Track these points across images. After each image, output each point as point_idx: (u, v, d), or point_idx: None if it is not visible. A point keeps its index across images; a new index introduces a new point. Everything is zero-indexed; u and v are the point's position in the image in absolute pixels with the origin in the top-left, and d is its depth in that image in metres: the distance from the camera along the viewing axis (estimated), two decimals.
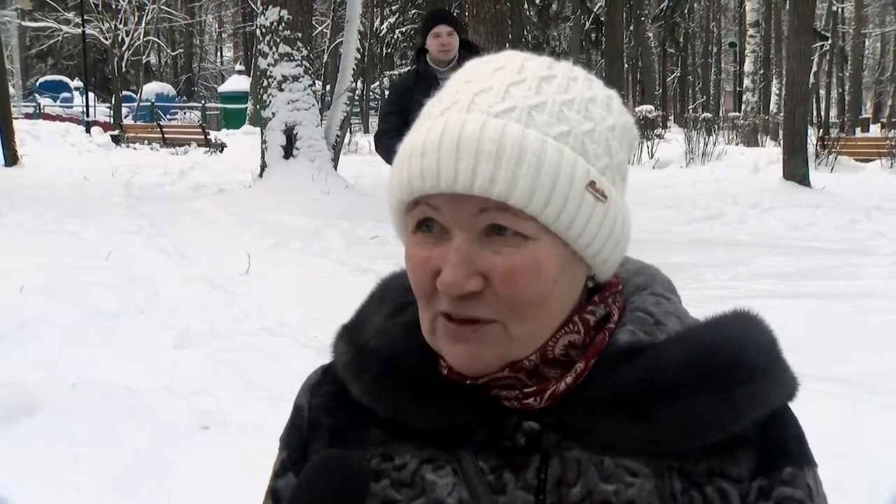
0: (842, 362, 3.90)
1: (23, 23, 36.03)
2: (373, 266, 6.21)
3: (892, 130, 17.65)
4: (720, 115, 30.95)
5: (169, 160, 18.00)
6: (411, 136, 0.72)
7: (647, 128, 19.00)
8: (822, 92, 38.39)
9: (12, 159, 14.22)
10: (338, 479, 0.66)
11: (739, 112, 30.37)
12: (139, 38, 31.18)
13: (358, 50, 11.82)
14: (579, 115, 0.70)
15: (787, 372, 0.74)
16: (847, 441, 2.74)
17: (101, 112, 32.09)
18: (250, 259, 6.27)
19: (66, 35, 34.82)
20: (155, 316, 4.64)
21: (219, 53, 58.97)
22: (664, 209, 9.95)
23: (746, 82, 29.87)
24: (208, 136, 22.46)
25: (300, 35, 10.84)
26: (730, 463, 0.72)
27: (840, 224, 8.84)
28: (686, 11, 35.33)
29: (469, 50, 4.71)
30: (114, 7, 30.58)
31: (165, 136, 23.42)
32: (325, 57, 29.98)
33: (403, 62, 31.43)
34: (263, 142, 10.72)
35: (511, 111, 0.68)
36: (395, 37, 30.32)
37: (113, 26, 29.70)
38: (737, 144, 21.65)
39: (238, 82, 34.97)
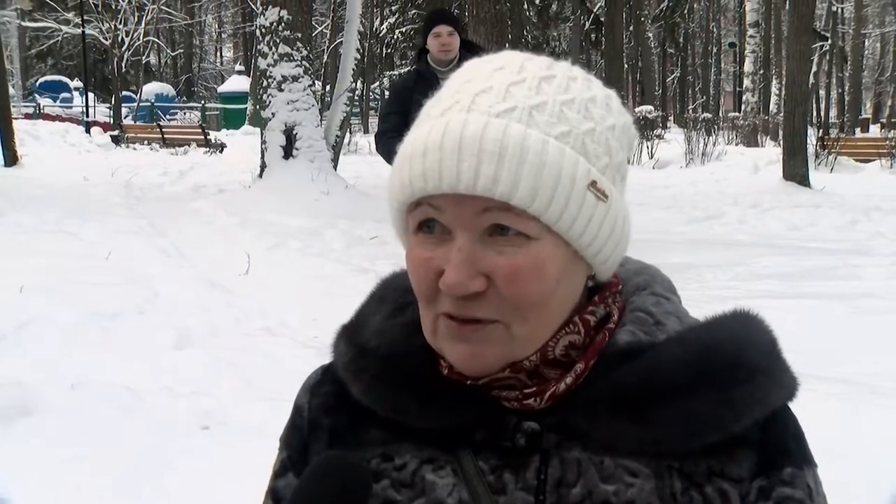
0: (842, 363, 3.90)
1: (23, 23, 36.04)
2: (372, 266, 6.21)
3: (892, 131, 17.64)
4: (720, 115, 30.94)
5: (169, 160, 18.00)
6: (412, 137, 0.72)
7: (647, 128, 18.99)
8: (822, 92, 38.40)
9: (12, 159, 14.23)
10: (338, 481, 0.65)
11: (739, 112, 30.38)
12: (139, 39, 31.19)
13: (358, 50, 11.82)
14: (579, 114, 0.70)
15: (787, 372, 0.74)
16: (847, 441, 2.74)
17: (101, 112, 32.11)
18: (250, 259, 6.27)
19: (65, 35, 34.83)
20: (155, 316, 4.64)
21: (218, 54, 58.99)
22: (664, 209, 9.95)
23: (746, 82, 29.87)
24: (208, 137, 22.47)
25: (300, 35, 10.85)
26: (730, 463, 0.72)
27: (840, 224, 8.84)
28: (686, 12, 35.31)
29: (470, 50, 4.71)
30: (114, 7, 30.58)
31: (165, 136, 23.43)
32: (325, 57, 29.97)
33: (403, 62, 31.45)
34: (263, 142, 10.72)
35: (512, 111, 0.68)
36: (395, 37, 30.34)
37: (113, 26, 29.70)
38: (736, 145, 21.66)
39: (238, 82, 34.98)
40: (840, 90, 43.25)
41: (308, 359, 3.58)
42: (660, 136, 19.80)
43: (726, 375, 0.71)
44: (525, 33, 22.22)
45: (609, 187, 0.71)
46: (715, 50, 51.07)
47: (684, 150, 17.96)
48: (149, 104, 32.63)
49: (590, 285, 0.76)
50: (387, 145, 4.72)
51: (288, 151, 10.41)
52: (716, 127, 19.49)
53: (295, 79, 10.58)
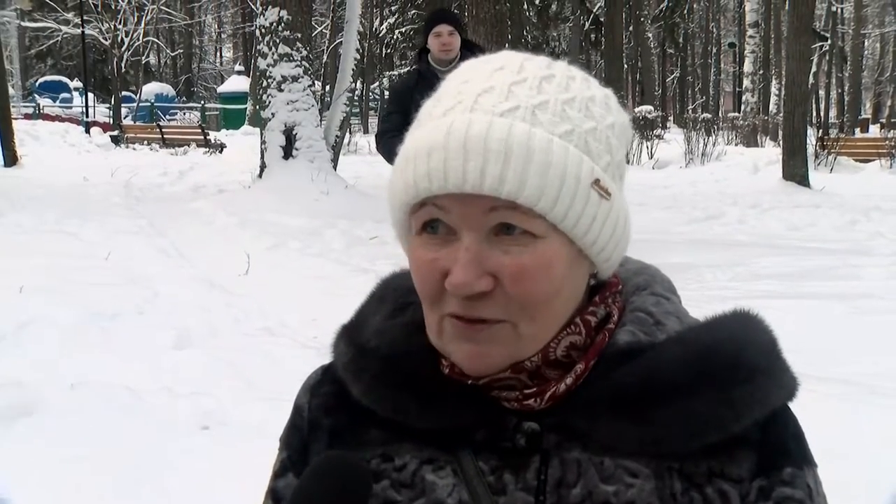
0: (842, 363, 3.90)
1: (22, 23, 36.06)
2: (372, 266, 6.21)
3: (892, 131, 17.64)
4: (720, 115, 30.96)
5: (168, 160, 18.00)
6: (413, 137, 0.72)
7: (647, 128, 18.99)
8: (822, 92, 38.39)
9: (12, 160, 14.24)
10: (338, 481, 0.65)
11: (739, 112, 30.39)
12: (139, 39, 31.18)
13: (357, 50, 11.82)
14: (580, 113, 0.71)
15: (787, 372, 0.74)
16: (847, 441, 2.74)
17: (101, 112, 32.11)
18: (250, 259, 6.27)
19: (65, 35, 34.83)
20: (154, 316, 4.64)
21: (218, 54, 58.98)
22: (664, 209, 9.96)
23: (746, 83, 29.89)
24: (208, 137, 22.47)
25: (300, 35, 10.85)
26: (730, 463, 0.72)
27: (839, 224, 8.84)
28: (685, 12, 35.29)
29: (470, 50, 4.72)
30: (113, 7, 30.59)
31: (165, 136, 23.43)
32: (325, 57, 29.95)
33: (403, 62, 31.47)
34: (263, 142, 10.72)
35: (515, 110, 0.68)
36: (395, 37, 30.36)
37: (112, 27, 29.70)
38: (736, 145, 21.67)
39: (237, 83, 34.98)
40: (840, 90, 43.25)
41: (308, 359, 3.58)
42: (659, 137, 19.81)
43: (726, 375, 0.71)
44: (525, 33, 22.23)
45: (611, 185, 0.71)
46: (715, 50, 51.10)
47: (684, 150, 17.97)
48: (148, 104, 32.63)
49: (592, 284, 0.76)
50: (387, 145, 4.73)
51: (288, 151, 10.41)
52: (715, 127, 19.49)
53: (295, 79, 10.58)
